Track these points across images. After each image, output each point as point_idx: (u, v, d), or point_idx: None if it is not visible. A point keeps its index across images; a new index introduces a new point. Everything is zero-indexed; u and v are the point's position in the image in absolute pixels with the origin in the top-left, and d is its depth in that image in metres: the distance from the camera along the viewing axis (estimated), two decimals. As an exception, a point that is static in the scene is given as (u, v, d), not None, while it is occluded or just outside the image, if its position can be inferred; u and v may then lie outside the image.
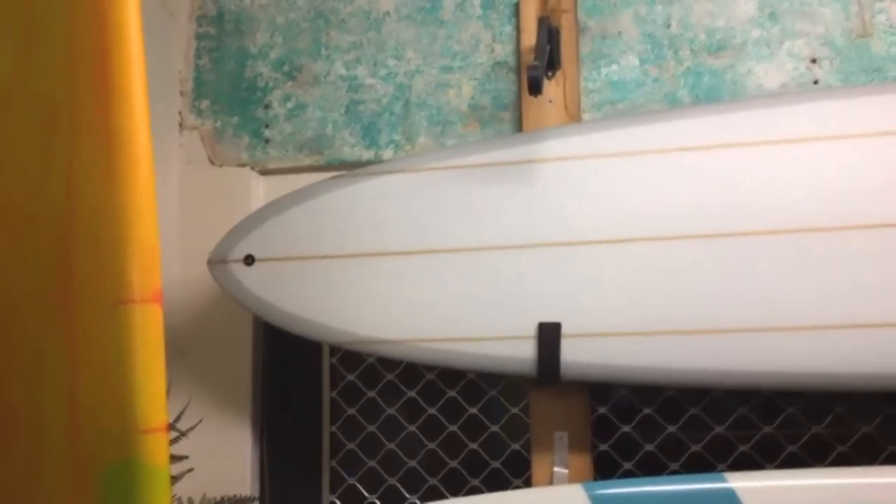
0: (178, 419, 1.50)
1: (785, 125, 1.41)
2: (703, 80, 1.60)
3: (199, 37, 1.84)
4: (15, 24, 0.79)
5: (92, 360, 0.75)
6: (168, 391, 1.50)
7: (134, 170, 0.76)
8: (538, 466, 1.51)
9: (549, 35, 1.55)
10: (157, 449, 0.73)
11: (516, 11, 1.67)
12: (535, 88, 1.34)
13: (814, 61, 1.55)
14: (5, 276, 0.78)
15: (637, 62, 1.63)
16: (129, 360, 0.73)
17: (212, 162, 1.80)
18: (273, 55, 1.80)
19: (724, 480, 1.27)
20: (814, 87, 1.55)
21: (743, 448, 1.50)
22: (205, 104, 1.82)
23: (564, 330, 1.40)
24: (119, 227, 0.75)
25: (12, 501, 0.76)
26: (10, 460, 0.77)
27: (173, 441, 1.47)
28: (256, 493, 1.69)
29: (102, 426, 0.74)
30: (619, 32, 1.64)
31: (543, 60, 1.42)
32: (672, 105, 1.60)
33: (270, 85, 1.79)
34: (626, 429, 1.55)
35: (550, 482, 1.49)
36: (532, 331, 1.41)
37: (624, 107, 1.62)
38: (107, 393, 0.74)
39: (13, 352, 0.77)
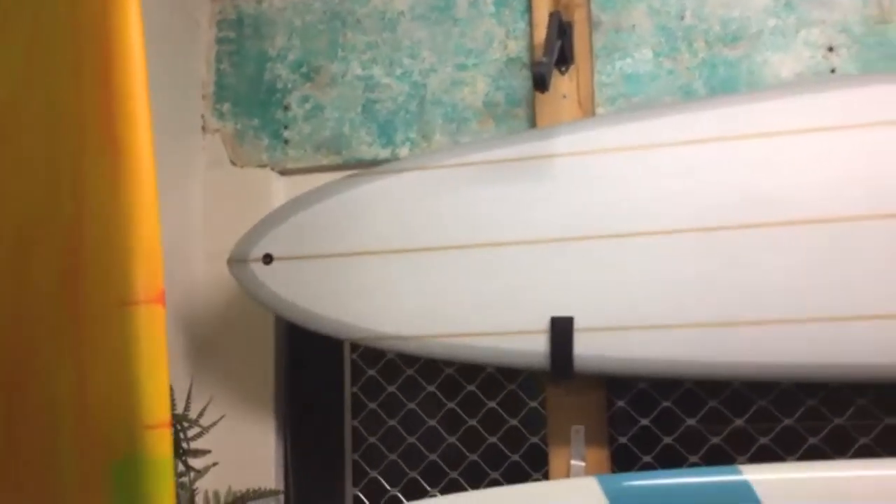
0: (200, 415, 1.54)
1: (802, 115, 1.40)
2: (718, 72, 1.59)
3: (219, 41, 1.88)
4: (21, 34, 0.83)
5: (99, 359, 0.78)
6: (191, 388, 1.57)
7: (137, 179, 0.78)
8: (555, 460, 1.52)
9: (562, 30, 1.56)
10: (160, 444, 0.76)
11: (529, 7, 1.68)
12: (541, 85, 1.34)
13: (831, 49, 1.53)
14: (16, 279, 0.82)
15: (651, 55, 1.62)
16: (133, 358, 0.76)
17: (233, 163, 1.84)
18: (291, 57, 1.83)
19: (739, 473, 1.27)
20: (831, 76, 1.53)
21: (763, 440, 1.49)
22: (226, 107, 1.86)
23: (577, 324, 1.40)
24: (123, 233, 0.78)
25: (26, 495, 0.80)
26: (24, 455, 0.81)
27: (196, 436, 1.51)
28: (281, 487, 1.73)
29: (109, 422, 0.77)
30: (633, 25, 1.64)
31: (552, 56, 1.42)
32: (687, 97, 1.59)
33: (289, 86, 1.82)
34: (644, 422, 1.55)
35: (568, 475, 1.49)
36: (545, 325, 1.42)
37: (638, 100, 1.61)
38: (113, 390, 0.77)
39: (26, 352, 0.81)
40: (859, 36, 1.52)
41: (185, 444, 1.47)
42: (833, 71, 1.53)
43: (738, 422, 1.51)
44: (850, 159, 1.35)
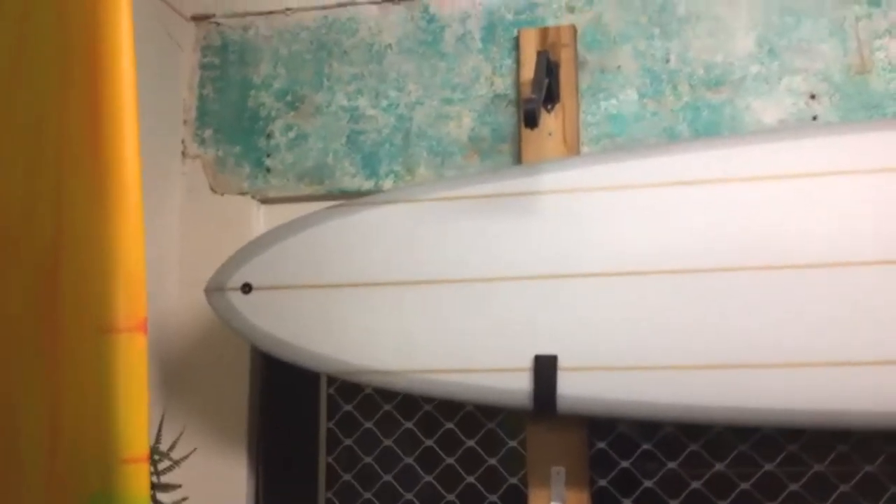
0: (172, 448, 1.49)
1: (784, 161, 1.41)
2: (701, 115, 1.60)
3: (203, 66, 1.87)
4: (4, 49, 0.80)
5: (75, 387, 0.75)
6: (163, 420, 1.52)
7: (122, 199, 0.76)
8: (535, 501, 1.49)
9: (549, 69, 1.57)
10: (137, 479, 0.73)
11: (516, 45, 1.69)
12: (531, 122, 1.34)
13: (813, 97, 1.56)
14: (-9, 302, 0.78)
15: (636, 96, 1.63)
16: (111, 388, 0.73)
17: (213, 190, 1.81)
18: (276, 85, 1.81)
19: (721, 519, 1.25)
20: (812, 123, 1.55)
21: (744, 486, 1.48)
22: (208, 133, 1.84)
23: (561, 363, 1.39)
24: (106, 255, 0.75)
25: (-8, 531, 0.76)
26: (-9, 489, 0.77)
27: (167, 470, 1.46)
28: (251, 525, 1.68)
29: (84, 455, 0.73)
30: (619, 67, 1.65)
31: (540, 94, 1.43)
32: (671, 139, 1.60)
33: (272, 115, 1.80)
34: (625, 464, 1.53)
35: (547, 518, 1.47)
36: (528, 363, 1.40)
37: (623, 140, 1.62)
38: (89, 421, 0.73)
39: (-3, 379, 0.77)
40: (840, 84, 1.55)
41: (154, 478, 1.42)
42: (815, 118, 1.55)
43: (719, 466, 1.49)
44: (831, 206, 1.37)
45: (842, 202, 1.36)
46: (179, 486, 1.47)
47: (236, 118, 1.83)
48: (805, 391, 1.31)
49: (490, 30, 1.73)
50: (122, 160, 0.77)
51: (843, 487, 1.45)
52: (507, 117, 1.69)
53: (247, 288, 1.52)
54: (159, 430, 1.49)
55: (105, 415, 0.73)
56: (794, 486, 1.46)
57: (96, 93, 0.77)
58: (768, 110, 1.57)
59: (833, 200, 1.37)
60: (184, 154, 1.84)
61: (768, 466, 1.47)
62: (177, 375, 1.72)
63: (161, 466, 1.45)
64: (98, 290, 0.75)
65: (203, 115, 1.85)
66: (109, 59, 0.78)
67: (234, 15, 1.87)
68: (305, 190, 1.76)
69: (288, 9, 1.84)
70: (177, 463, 1.47)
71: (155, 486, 1.42)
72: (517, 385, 1.40)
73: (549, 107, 1.60)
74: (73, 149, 0.77)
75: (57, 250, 0.77)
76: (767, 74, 1.58)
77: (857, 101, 1.54)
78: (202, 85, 1.86)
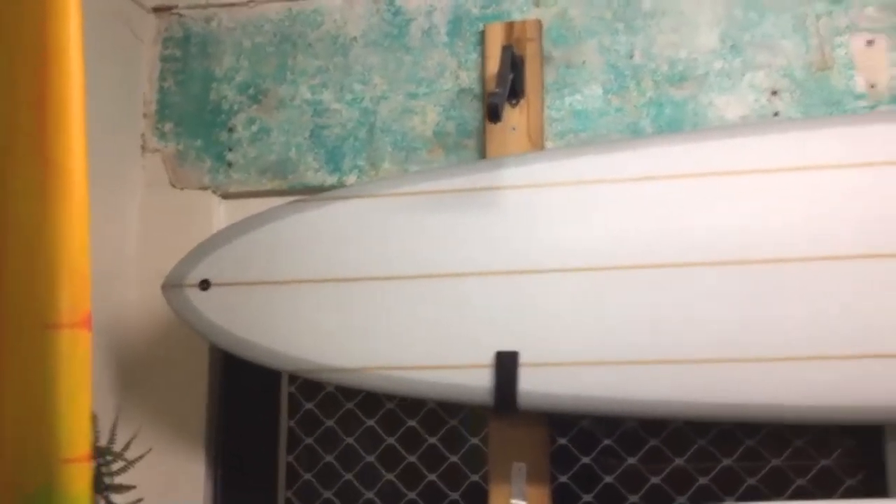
0: (126, 448, 1.46)
1: (745, 156, 1.42)
2: (664, 111, 1.60)
3: (164, 59, 1.83)
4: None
5: (17, 384, 0.72)
6: (117, 419, 1.49)
7: (67, 194, 0.74)
8: (496, 498, 1.48)
9: (514, 63, 1.56)
10: (79, 479, 0.71)
11: (482, 39, 1.68)
12: (495, 116, 1.33)
13: (774, 93, 1.57)
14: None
15: (600, 92, 1.63)
16: (53, 385, 0.71)
17: (173, 185, 1.78)
18: (238, 78, 1.79)
19: (681, 514, 1.26)
20: (774, 119, 1.56)
21: (703, 480, 1.49)
22: (168, 127, 1.80)
23: (522, 359, 1.38)
24: (49, 250, 0.73)
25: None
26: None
27: (120, 471, 1.43)
28: (210, 525, 1.65)
29: (24, 453, 0.71)
30: (584, 62, 1.65)
31: (504, 88, 1.42)
32: (634, 135, 1.60)
33: (235, 108, 1.78)
34: (585, 460, 1.53)
35: (509, 514, 1.46)
36: (489, 359, 1.39)
37: (587, 136, 1.62)
38: (30, 419, 0.71)
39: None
40: (802, 81, 1.56)
41: (107, 479, 1.39)
42: (776, 114, 1.56)
43: (679, 461, 1.50)
44: (793, 201, 1.38)
45: (803, 197, 1.37)
46: (134, 486, 1.44)
47: (197, 111, 1.80)
48: (762, 386, 1.33)
49: (456, 24, 1.71)
50: (68, 155, 0.76)
51: (799, 481, 1.46)
52: (472, 112, 1.68)
53: (205, 284, 1.50)
54: (113, 430, 1.46)
55: (46, 412, 0.71)
56: (751, 481, 1.48)
57: (43, 87, 0.76)
58: (730, 106, 1.58)
59: (795, 196, 1.38)
60: (143, 148, 1.81)
61: (727, 461, 1.49)
62: (133, 374, 1.69)
63: (115, 467, 1.42)
64: (41, 285, 0.73)
65: (164, 109, 1.82)
66: (56, 54, 0.76)
67: (197, 6, 1.84)
68: (267, 185, 1.74)
69: (251, 0, 1.81)
70: (131, 463, 1.44)
71: (108, 488, 1.39)
72: (478, 381, 1.39)
73: (513, 101, 1.59)
74: (18, 143, 0.75)
75: (1, 245, 0.75)
76: (730, 70, 1.59)
77: (817, 97, 1.55)
78: (163, 78, 1.83)
